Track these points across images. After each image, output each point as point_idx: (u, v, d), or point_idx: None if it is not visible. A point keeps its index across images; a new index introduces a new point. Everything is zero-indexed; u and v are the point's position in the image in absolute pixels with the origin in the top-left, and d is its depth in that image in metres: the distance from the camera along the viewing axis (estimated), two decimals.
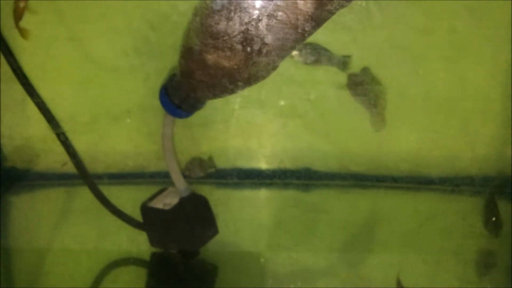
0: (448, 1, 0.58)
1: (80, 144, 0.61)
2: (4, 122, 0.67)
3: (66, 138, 0.58)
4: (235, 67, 0.43)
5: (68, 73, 0.63)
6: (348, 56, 0.62)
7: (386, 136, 0.65)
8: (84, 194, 0.64)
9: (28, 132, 0.68)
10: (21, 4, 0.54)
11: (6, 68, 0.61)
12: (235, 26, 0.41)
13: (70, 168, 0.65)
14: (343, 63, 0.62)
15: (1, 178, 0.69)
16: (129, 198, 0.66)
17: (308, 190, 0.69)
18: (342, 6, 0.42)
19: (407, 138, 0.66)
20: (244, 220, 0.65)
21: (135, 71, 0.63)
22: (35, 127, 0.67)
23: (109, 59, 0.60)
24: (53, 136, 0.64)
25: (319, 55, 0.61)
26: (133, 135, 0.67)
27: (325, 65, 0.62)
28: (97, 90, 0.65)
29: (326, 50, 0.61)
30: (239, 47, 0.42)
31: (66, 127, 0.58)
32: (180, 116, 0.52)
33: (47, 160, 0.68)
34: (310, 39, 0.42)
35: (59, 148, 0.65)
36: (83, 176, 0.62)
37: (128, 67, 0.62)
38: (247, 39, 0.41)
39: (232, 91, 0.46)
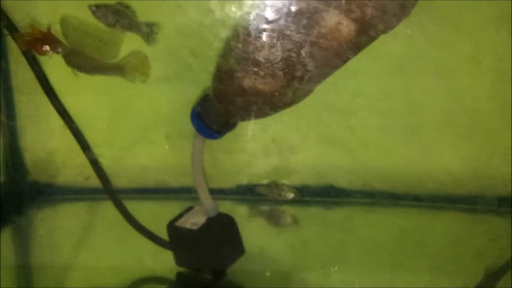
0: (496, 31, 0.57)
1: (105, 158, 0.61)
2: (26, 136, 0.66)
3: (100, 167, 0.60)
4: (276, 93, 0.42)
5: (106, 97, 0.63)
6: (154, 25, 0.55)
7: (417, 155, 0.64)
8: (106, 209, 0.63)
9: (51, 146, 0.67)
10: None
11: (30, 81, 0.60)
12: (277, 53, 0.40)
13: (93, 182, 0.65)
14: (147, 33, 0.55)
15: (23, 192, 0.68)
16: (150, 214, 0.65)
17: (331, 208, 0.68)
18: (384, 32, 0.41)
19: (438, 158, 0.65)
20: (268, 239, 0.65)
21: (175, 96, 0.62)
22: (57, 140, 0.66)
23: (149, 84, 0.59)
24: (76, 149, 0.64)
25: (120, 18, 0.54)
26: (158, 150, 0.66)
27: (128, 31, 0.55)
28: (134, 113, 0.64)
29: (127, 13, 0.54)
30: (281, 73, 0.41)
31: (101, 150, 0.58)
32: (213, 138, 0.51)
33: (70, 174, 0.68)
34: None
35: (82, 162, 0.64)
36: (108, 192, 0.61)
37: (168, 91, 0.61)
38: (289, 66, 0.41)
39: (268, 115, 0.46)
